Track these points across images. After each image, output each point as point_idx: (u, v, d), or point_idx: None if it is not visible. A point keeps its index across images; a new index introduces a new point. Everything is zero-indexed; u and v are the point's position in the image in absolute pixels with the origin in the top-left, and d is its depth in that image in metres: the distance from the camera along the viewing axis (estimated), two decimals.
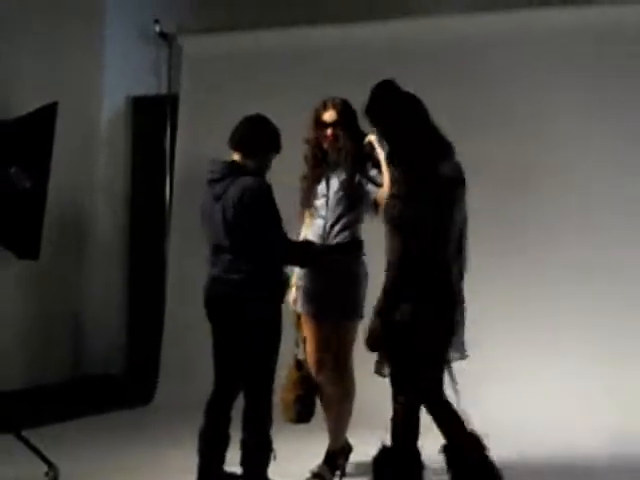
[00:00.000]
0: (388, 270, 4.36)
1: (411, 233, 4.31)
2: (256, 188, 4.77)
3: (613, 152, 6.63)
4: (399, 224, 4.32)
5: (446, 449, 4.58)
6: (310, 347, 5.27)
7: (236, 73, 7.63)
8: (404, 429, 4.50)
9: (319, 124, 5.20)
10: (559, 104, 6.74)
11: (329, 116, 5.19)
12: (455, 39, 7.00)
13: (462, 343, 4.54)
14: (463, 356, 4.54)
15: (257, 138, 4.91)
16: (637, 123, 6.61)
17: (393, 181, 4.59)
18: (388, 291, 4.34)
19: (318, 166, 5.24)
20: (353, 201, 5.17)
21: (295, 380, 5.19)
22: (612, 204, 6.59)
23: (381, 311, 4.34)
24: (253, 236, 4.77)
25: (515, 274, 6.65)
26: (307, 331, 5.27)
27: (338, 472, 5.32)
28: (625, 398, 6.26)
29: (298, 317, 5.28)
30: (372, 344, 4.40)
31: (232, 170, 4.84)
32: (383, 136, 4.63)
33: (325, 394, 5.27)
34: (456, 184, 4.50)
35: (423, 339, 4.33)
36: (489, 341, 6.43)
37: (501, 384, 6.46)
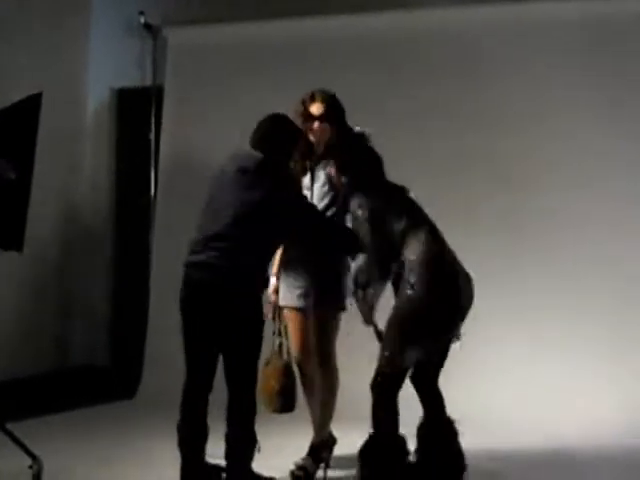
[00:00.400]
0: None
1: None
2: (289, 189, 4.79)
3: (613, 149, 6.60)
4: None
5: (421, 428, 4.80)
6: (296, 339, 5.28)
7: (221, 65, 7.61)
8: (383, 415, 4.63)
9: (306, 116, 5.16)
10: (558, 99, 6.70)
11: (317, 109, 5.16)
12: (452, 31, 6.97)
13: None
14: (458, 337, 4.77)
15: (281, 138, 4.85)
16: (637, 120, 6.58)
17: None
18: None
19: (304, 158, 5.22)
20: (338, 194, 5.16)
21: (279, 369, 5.18)
22: (611, 199, 6.57)
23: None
24: (294, 234, 4.80)
25: (512, 268, 6.64)
26: (292, 322, 5.28)
27: (322, 465, 5.32)
28: (621, 392, 6.28)
29: (277, 307, 5.28)
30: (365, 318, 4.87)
31: (261, 166, 4.76)
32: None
33: (309, 386, 5.28)
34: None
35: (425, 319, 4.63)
36: (483, 334, 6.44)
37: (494, 377, 6.48)
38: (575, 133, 6.66)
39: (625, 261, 6.49)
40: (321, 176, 5.20)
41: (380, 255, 4.76)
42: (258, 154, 4.79)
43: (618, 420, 6.05)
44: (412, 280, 4.65)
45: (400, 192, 4.91)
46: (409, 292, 4.65)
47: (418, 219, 4.81)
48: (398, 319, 4.69)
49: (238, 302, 4.73)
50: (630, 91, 6.59)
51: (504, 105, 6.81)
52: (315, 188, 5.20)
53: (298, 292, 5.24)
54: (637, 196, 6.55)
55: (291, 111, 5.16)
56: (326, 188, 5.18)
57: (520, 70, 6.81)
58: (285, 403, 5.17)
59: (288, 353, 5.26)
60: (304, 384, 5.31)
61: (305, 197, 4.94)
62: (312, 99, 5.18)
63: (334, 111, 5.17)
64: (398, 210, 4.80)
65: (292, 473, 5.20)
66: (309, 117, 5.15)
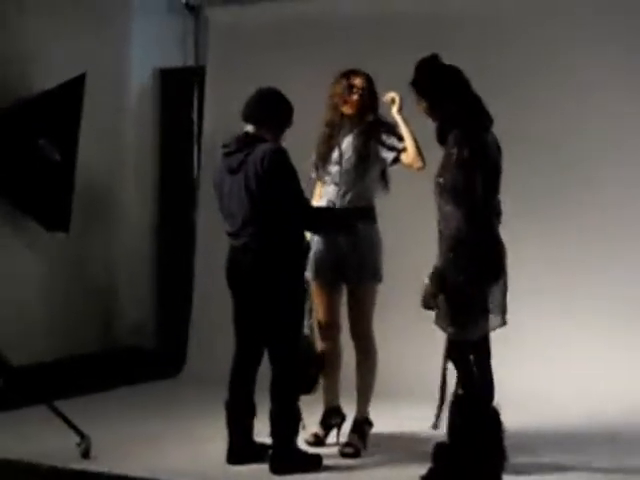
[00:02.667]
0: (442, 241, 4.53)
1: (466, 202, 4.47)
2: (275, 152, 4.83)
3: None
4: (455, 194, 4.48)
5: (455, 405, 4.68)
6: (324, 313, 5.32)
7: (262, 44, 7.58)
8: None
9: (349, 87, 5.29)
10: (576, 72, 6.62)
11: (359, 81, 5.31)
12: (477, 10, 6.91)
13: (504, 310, 4.65)
14: (504, 322, 4.65)
15: (273, 111, 4.95)
16: None
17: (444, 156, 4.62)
18: (444, 261, 4.49)
19: (337, 134, 5.34)
20: (366, 167, 5.27)
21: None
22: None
23: (436, 276, 4.48)
24: (276, 201, 4.79)
25: (545, 245, 6.58)
26: (321, 297, 5.31)
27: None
28: None
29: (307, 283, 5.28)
30: (426, 303, 4.52)
31: (248, 141, 4.86)
32: (430, 109, 4.69)
33: (331, 360, 5.30)
34: (499, 155, 4.68)
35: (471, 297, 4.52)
36: (518, 311, 6.42)
37: (528, 353, 6.44)
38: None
39: None
40: (349, 148, 5.27)
41: None
42: (239, 133, 4.92)
43: None
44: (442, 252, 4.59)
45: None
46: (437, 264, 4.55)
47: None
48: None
49: (278, 279, 4.83)
50: None
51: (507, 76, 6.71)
52: (343, 161, 5.29)
53: (328, 266, 5.27)
54: None
55: (329, 84, 5.34)
56: (353, 160, 5.26)
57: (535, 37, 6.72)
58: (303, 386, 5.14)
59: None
60: (326, 359, 5.30)
61: (287, 165, 4.90)
62: (355, 72, 5.33)
63: (373, 86, 5.34)
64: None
65: (341, 451, 5.23)
66: (351, 88, 5.28)
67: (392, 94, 5.30)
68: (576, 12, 6.66)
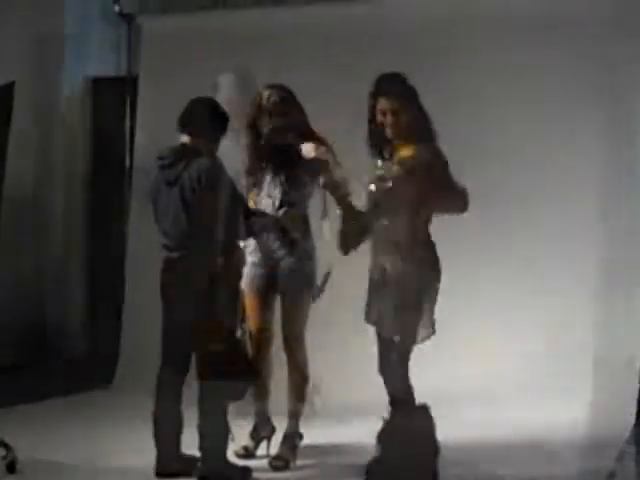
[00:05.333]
0: (395, 251, 4.63)
1: (420, 210, 4.63)
2: (210, 168, 4.83)
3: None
4: (409, 202, 4.59)
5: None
6: (257, 324, 5.30)
7: (196, 53, 7.56)
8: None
9: (257, 132, 5.27)
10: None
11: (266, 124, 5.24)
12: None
13: (433, 320, 4.71)
14: (433, 332, 4.71)
15: (208, 121, 4.93)
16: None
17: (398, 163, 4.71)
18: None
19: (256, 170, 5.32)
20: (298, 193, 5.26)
21: None
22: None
23: None
24: (212, 215, 4.77)
25: (486, 254, 6.64)
26: (253, 308, 5.30)
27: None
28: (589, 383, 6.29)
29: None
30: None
31: (184, 153, 4.86)
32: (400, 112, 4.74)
33: (262, 371, 5.29)
34: None
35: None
36: (451, 326, 6.47)
37: (461, 370, 6.47)
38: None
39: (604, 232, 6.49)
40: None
41: None
42: (175, 145, 4.92)
43: (586, 411, 6.05)
44: None
45: None
46: None
47: None
48: None
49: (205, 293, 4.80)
50: None
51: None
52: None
53: (260, 275, 5.27)
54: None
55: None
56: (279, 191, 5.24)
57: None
58: None
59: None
60: (258, 370, 5.28)
61: (223, 180, 4.90)
62: (260, 115, 5.25)
63: (290, 103, 5.26)
64: None
65: (270, 464, 5.22)
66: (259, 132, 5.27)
67: (317, 153, 5.18)
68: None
